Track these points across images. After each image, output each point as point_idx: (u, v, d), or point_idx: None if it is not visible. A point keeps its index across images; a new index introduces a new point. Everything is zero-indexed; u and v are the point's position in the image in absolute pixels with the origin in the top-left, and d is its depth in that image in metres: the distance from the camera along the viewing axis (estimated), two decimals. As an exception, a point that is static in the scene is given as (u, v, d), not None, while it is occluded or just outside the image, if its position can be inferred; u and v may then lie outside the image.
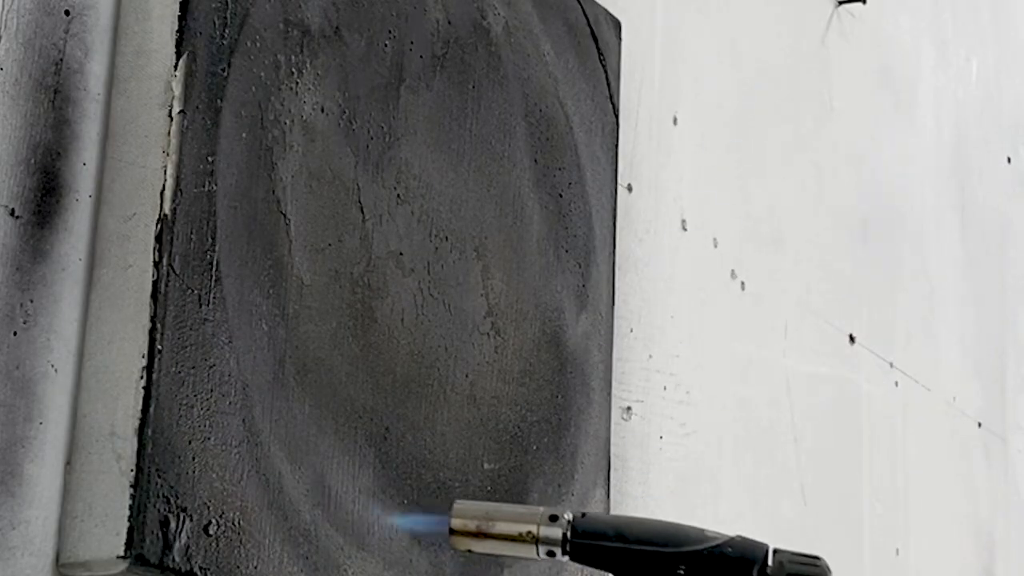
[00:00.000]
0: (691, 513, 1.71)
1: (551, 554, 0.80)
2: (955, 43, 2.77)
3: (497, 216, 1.40)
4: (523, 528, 0.80)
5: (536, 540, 0.79)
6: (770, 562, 0.78)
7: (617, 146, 1.60)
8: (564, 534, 0.79)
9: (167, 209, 1.05)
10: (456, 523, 0.81)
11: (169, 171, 1.06)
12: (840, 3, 2.29)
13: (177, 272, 1.05)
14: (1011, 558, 2.69)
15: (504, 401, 1.36)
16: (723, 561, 0.77)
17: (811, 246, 2.12)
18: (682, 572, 0.77)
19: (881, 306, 2.33)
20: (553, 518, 0.80)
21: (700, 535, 0.78)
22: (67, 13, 1.06)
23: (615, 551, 0.79)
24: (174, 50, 1.08)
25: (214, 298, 1.08)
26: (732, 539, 0.78)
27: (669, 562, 0.78)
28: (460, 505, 0.82)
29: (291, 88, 1.18)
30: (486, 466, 1.33)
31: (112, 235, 1.06)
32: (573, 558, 0.80)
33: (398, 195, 1.28)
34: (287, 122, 1.17)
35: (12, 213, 1.01)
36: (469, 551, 0.81)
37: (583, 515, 0.80)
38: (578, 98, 1.53)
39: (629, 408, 1.63)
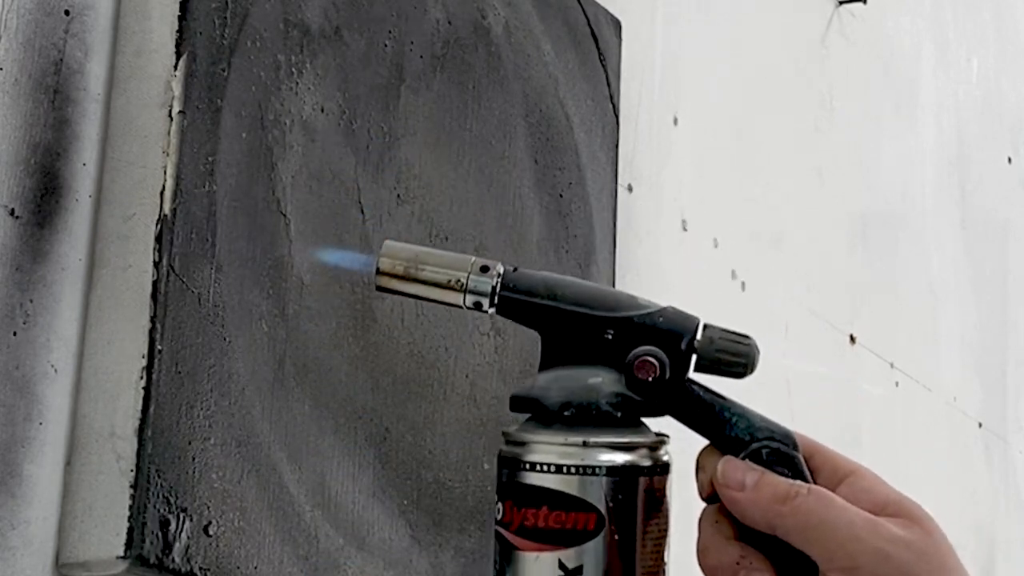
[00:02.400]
0: (691, 512, 1.70)
1: (477, 306, 0.76)
2: (956, 43, 2.77)
3: (497, 216, 1.40)
4: (452, 275, 0.76)
5: (464, 289, 0.76)
6: (699, 336, 0.76)
7: (617, 146, 1.60)
8: (493, 286, 0.76)
9: (167, 209, 1.05)
10: (384, 263, 0.76)
11: (169, 171, 1.06)
12: (840, 3, 2.29)
13: (177, 272, 1.05)
14: (1011, 558, 2.69)
15: (504, 401, 1.36)
16: (652, 331, 0.75)
17: (811, 246, 2.12)
18: (609, 336, 0.75)
19: (881, 306, 2.33)
20: (484, 269, 0.76)
21: (632, 302, 0.76)
22: (67, 13, 1.06)
23: (543, 308, 0.76)
24: (174, 50, 1.08)
25: (214, 298, 1.08)
26: (664, 309, 0.76)
27: (597, 325, 0.75)
28: (389, 245, 0.77)
29: (291, 88, 1.18)
30: (486, 466, 1.33)
31: (112, 235, 1.06)
32: (499, 311, 0.77)
33: (398, 195, 1.28)
34: (287, 122, 1.17)
35: (12, 213, 1.01)
36: (394, 292, 0.77)
37: (515, 269, 0.77)
38: (578, 98, 1.53)
39: (629, 408, 1.62)
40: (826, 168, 2.20)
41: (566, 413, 0.74)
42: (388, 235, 1.26)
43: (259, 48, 1.15)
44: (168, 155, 1.06)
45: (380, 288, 0.77)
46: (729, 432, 0.76)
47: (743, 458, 0.76)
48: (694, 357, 0.76)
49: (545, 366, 0.77)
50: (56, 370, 1.03)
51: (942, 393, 2.49)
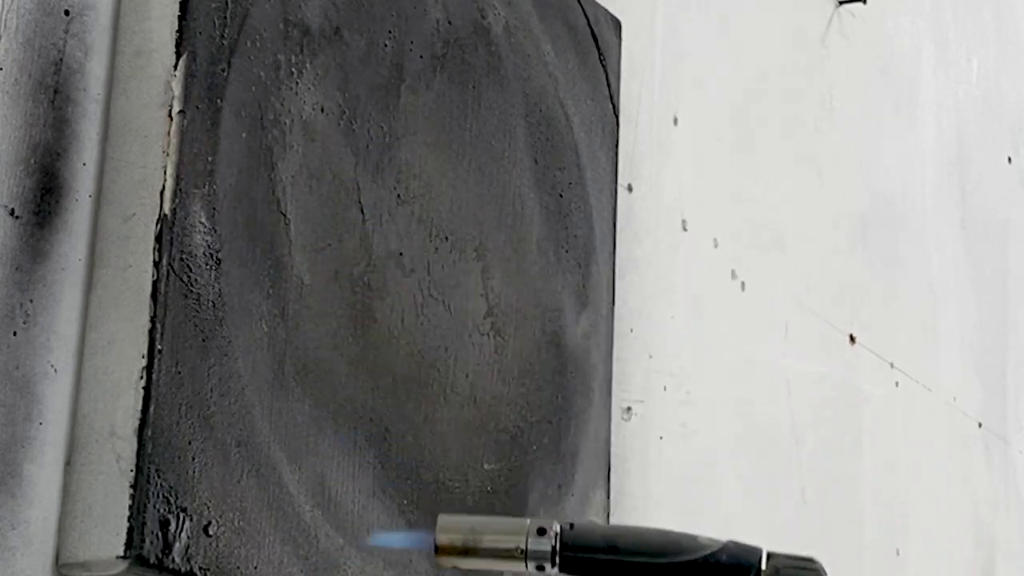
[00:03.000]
0: (691, 513, 1.71)
1: (540, 568, 0.78)
2: (956, 43, 2.77)
3: (497, 216, 1.40)
4: (511, 543, 0.77)
5: (525, 555, 0.77)
6: (764, 566, 0.77)
7: (617, 146, 1.60)
8: (553, 547, 0.77)
9: (167, 209, 1.05)
10: (442, 539, 0.78)
11: (169, 171, 1.06)
12: (840, 3, 2.29)
13: (177, 272, 1.05)
14: (1011, 558, 2.69)
15: (504, 401, 1.36)
16: (718, 569, 0.76)
17: (811, 246, 2.12)
18: None
19: (881, 306, 2.32)
20: (541, 531, 0.77)
21: (693, 543, 0.77)
22: (67, 13, 1.06)
23: (606, 563, 0.78)
24: (174, 50, 1.08)
25: (214, 298, 1.08)
26: (725, 545, 0.77)
27: (663, 573, 0.77)
28: (445, 520, 0.78)
29: (291, 88, 1.17)
30: (486, 466, 1.33)
31: (112, 235, 1.06)
32: (563, 570, 0.78)
33: (398, 195, 1.28)
34: (287, 122, 1.17)
35: (12, 213, 1.01)
36: (455, 567, 0.79)
37: (571, 526, 0.78)
38: (578, 98, 1.53)
39: (629, 408, 1.63)
40: (826, 168, 2.20)
41: None
42: (388, 234, 1.26)
43: (259, 48, 1.15)
44: (168, 155, 1.06)
45: (441, 565, 0.78)
46: None
47: None
48: None
49: None
50: (56, 370, 1.03)
51: (942, 393, 2.49)
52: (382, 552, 1.20)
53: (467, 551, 0.78)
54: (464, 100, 1.37)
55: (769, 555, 0.77)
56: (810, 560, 0.78)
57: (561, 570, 0.78)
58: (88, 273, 1.06)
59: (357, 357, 1.21)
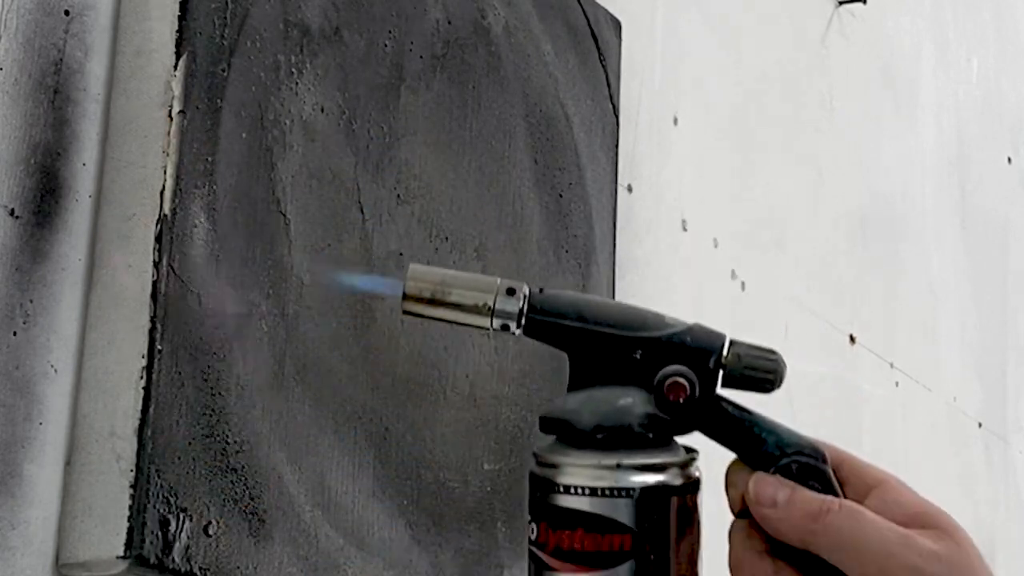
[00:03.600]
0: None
1: (505, 328, 0.76)
2: (955, 43, 2.77)
3: (497, 216, 1.40)
4: (479, 298, 0.76)
5: (491, 312, 0.76)
6: (726, 353, 0.76)
7: (617, 146, 1.60)
8: (520, 308, 0.76)
9: (167, 209, 1.05)
10: (411, 287, 0.76)
11: (169, 171, 1.06)
12: (840, 3, 2.29)
13: (177, 272, 1.05)
14: (1011, 558, 2.69)
15: (504, 401, 1.36)
16: (680, 350, 0.75)
17: (811, 246, 2.12)
18: (638, 356, 0.75)
19: (881, 306, 2.33)
20: (511, 291, 0.76)
21: (659, 321, 0.76)
22: (67, 13, 1.06)
23: (571, 330, 0.76)
24: (174, 50, 1.08)
25: (214, 298, 1.08)
26: (691, 327, 0.76)
27: (626, 345, 0.76)
28: (416, 269, 0.76)
29: (291, 88, 1.18)
30: (486, 466, 1.33)
31: (112, 235, 1.06)
32: (527, 333, 0.76)
33: (398, 195, 1.28)
34: (287, 122, 1.17)
35: (12, 213, 1.01)
36: (420, 316, 0.76)
37: (540, 290, 0.77)
38: (578, 98, 1.53)
39: (629, 408, 1.63)
40: (826, 168, 2.20)
41: (598, 436, 0.75)
42: (388, 234, 1.26)
43: (259, 48, 1.15)
44: (168, 155, 1.06)
45: (407, 312, 0.77)
46: (759, 447, 0.77)
47: (773, 473, 0.76)
48: (722, 373, 0.76)
49: (574, 386, 0.77)
50: (56, 370, 1.03)
51: (942, 393, 2.49)
52: (382, 552, 1.21)
53: (434, 301, 0.76)
54: (464, 100, 1.37)
55: (732, 342, 0.76)
56: (771, 351, 0.78)
57: (525, 332, 0.77)
58: (88, 273, 1.06)
59: (357, 357, 1.21)
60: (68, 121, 1.06)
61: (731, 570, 0.76)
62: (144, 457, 1.01)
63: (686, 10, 1.87)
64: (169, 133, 1.07)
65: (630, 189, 1.69)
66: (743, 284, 1.92)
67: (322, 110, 1.21)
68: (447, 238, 1.33)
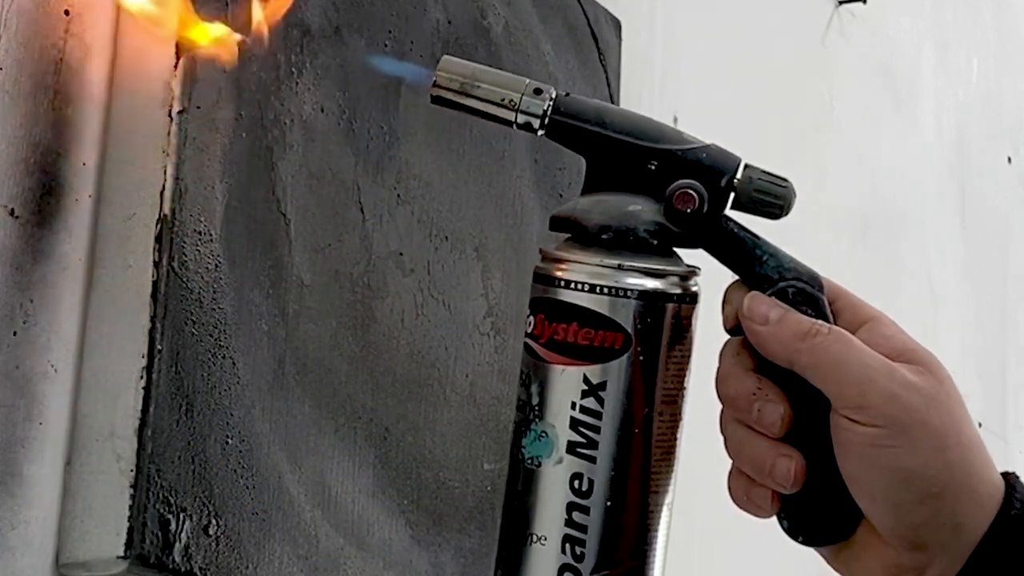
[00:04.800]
0: (692, 511, 1.70)
1: (528, 126, 0.78)
2: (956, 43, 2.77)
3: (497, 216, 1.40)
4: (506, 94, 0.79)
5: (516, 108, 0.78)
6: (739, 174, 0.78)
7: (617, 146, 1.59)
8: (545, 109, 0.78)
9: (167, 209, 1.05)
10: (441, 77, 0.79)
11: (169, 171, 1.06)
12: (840, 3, 2.29)
13: (177, 272, 1.05)
14: (1011, 558, 2.68)
15: (504, 401, 1.36)
16: (695, 166, 0.78)
17: (811, 246, 2.12)
18: (653, 167, 0.77)
19: (881, 306, 2.32)
20: (537, 91, 0.79)
21: (679, 136, 0.79)
22: (67, 13, 1.06)
23: (591, 135, 0.78)
24: (174, 50, 1.08)
25: (214, 298, 1.08)
26: (708, 146, 0.79)
27: (643, 155, 0.78)
28: (448, 60, 0.79)
29: (291, 88, 1.17)
30: (486, 466, 1.33)
31: (112, 235, 1.06)
32: (548, 134, 0.79)
33: (398, 195, 1.28)
34: (287, 122, 1.17)
35: (12, 213, 1.01)
36: (449, 104, 0.79)
37: (567, 94, 0.79)
38: (578, 98, 1.53)
39: (629, 408, 1.62)
40: (826, 168, 2.20)
41: (604, 236, 0.77)
42: (388, 234, 1.26)
43: (259, 48, 1.15)
44: (168, 155, 1.06)
45: (435, 100, 0.80)
46: (759, 269, 0.80)
47: (770, 295, 0.79)
48: (732, 194, 0.79)
49: (587, 190, 0.79)
50: (56, 370, 1.03)
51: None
52: (382, 552, 1.21)
53: (463, 92, 0.79)
54: (464, 100, 1.37)
55: (746, 165, 0.79)
56: (783, 178, 0.81)
57: (546, 134, 0.79)
58: (88, 273, 1.06)
59: (357, 357, 1.21)
60: (68, 121, 1.06)
61: (716, 383, 0.79)
62: (144, 457, 1.01)
63: (686, 10, 1.87)
64: (169, 133, 1.07)
65: (630, 189, 1.69)
66: (743, 284, 1.91)
67: (322, 110, 1.21)
68: (447, 238, 1.33)
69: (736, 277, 0.80)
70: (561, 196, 1.49)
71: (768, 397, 0.77)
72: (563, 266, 0.76)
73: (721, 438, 0.81)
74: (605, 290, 0.75)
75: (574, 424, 0.75)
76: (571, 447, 0.75)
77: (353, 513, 1.18)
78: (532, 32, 1.48)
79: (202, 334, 1.07)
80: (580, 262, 0.76)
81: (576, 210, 0.78)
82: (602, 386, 0.75)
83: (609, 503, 0.75)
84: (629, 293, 0.75)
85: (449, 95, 0.79)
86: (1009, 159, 2.97)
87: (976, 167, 2.79)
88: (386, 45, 1.29)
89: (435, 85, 0.79)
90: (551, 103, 0.79)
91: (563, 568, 0.75)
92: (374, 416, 1.22)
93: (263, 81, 1.15)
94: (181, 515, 1.03)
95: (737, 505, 0.80)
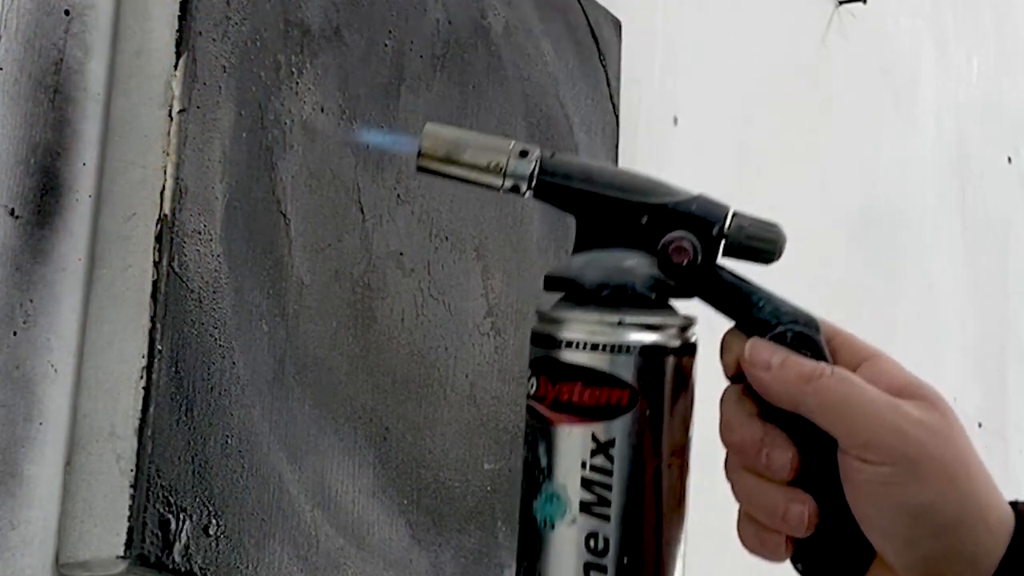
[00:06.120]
0: (692, 511, 1.70)
1: (515, 189, 0.78)
2: (956, 43, 2.77)
3: (497, 216, 1.40)
4: (492, 158, 0.78)
5: (503, 173, 0.78)
6: (729, 223, 0.78)
7: (617, 146, 1.60)
8: (532, 171, 0.78)
9: (167, 209, 1.05)
10: (426, 145, 0.79)
11: (169, 171, 1.06)
12: (840, 3, 2.29)
13: (177, 272, 1.05)
14: (1011, 558, 2.68)
15: (504, 401, 1.36)
16: (685, 217, 0.77)
17: (811, 246, 2.12)
18: (644, 222, 0.77)
19: (881, 306, 2.32)
20: (523, 153, 0.78)
21: (666, 189, 0.78)
22: (67, 13, 1.06)
23: (580, 193, 0.78)
24: (174, 50, 1.08)
25: (214, 298, 1.08)
26: (696, 197, 0.78)
27: (633, 210, 0.78)
28: (431, 128, 0.79)
29: (291, 88, 1.17)
30: (486, 466, 1.33)
31: (112, 235, 1.06)
32: (536, 195, 0.79)
33: (398, 195, 1.28)
34: (287, 122, 1.17)
35: (12, 213, 1.01)
36: (434, 173, 0.79)
37: (552, 155, 0.78)
38: (578, 98, 1.53)
39: (629, 408, 1.63)
40: (826, 168, 2.20)
41: (603, 293, 0.76)
42: (388, 234, 1.26)
43: (259, 48, 1.15)
44: (168, 155, 1.06)
45: (421, 169, 0.80)
46: (755, 315, 0.80)
47: (768, 339, 0.78)
48: (724, 242, 0.79)
49: (579, 247, 0.79)
50: (56, 370, 1.03)
51: (942, 393, 2.49)
52: (382, 552, 1.21)
53: (448, 160, 0.79)
54: (464, 100, 1.37)
55: (735, 214, 0.78)
56: (772, 224, 0.80)
57: (535, 195, 0.79)
58: (88, 273, 1.06)
59: (357, 357, 1.21)
60: (68, 121, 1.06)
61: (721, 431, 0.79)
62: (144, 457, 1.01)
63: (686, 10, 1.87)
64: (169, 133, 1.07)
65: (630, 189, 1.69)
66: (743, 284, 1.91)
67: (322, 110, 1.21)
68: (447, 238, 1.33)
69: (732, 324, 0.80)
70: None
71: (775, 443, 0.77)
72: (563, 325, 0.75)
73: (727, 484, 0.81)
74: (607, 347, 0.75)
75: (585, 483, 0.74)
76: (584, 506, 0.74)
77: (353, 513, 1.18)
78: (532, 32, 1.48)
79: (202, 334, 1.07)
80: (580, 320, 0.75)
81: (571, 269, 0.78)
82: (611, 443, 0.75)
83: (625, 559, 0.75)
84: (631, 349, 0.75)
85: (435, 165, 0.79)
86: (1009, 159, 2.97)
87: (976, 167, 2.79)
88: (386, 45, 1.29)
89: (421, 155, 0.79)
90: (537, 164, 0.78)
91: None
92: (374, 416, 1.22)
93: (263, 81, 1.15)
94: (181, 515, 1.03)
95: (749, 551, 0.79)
